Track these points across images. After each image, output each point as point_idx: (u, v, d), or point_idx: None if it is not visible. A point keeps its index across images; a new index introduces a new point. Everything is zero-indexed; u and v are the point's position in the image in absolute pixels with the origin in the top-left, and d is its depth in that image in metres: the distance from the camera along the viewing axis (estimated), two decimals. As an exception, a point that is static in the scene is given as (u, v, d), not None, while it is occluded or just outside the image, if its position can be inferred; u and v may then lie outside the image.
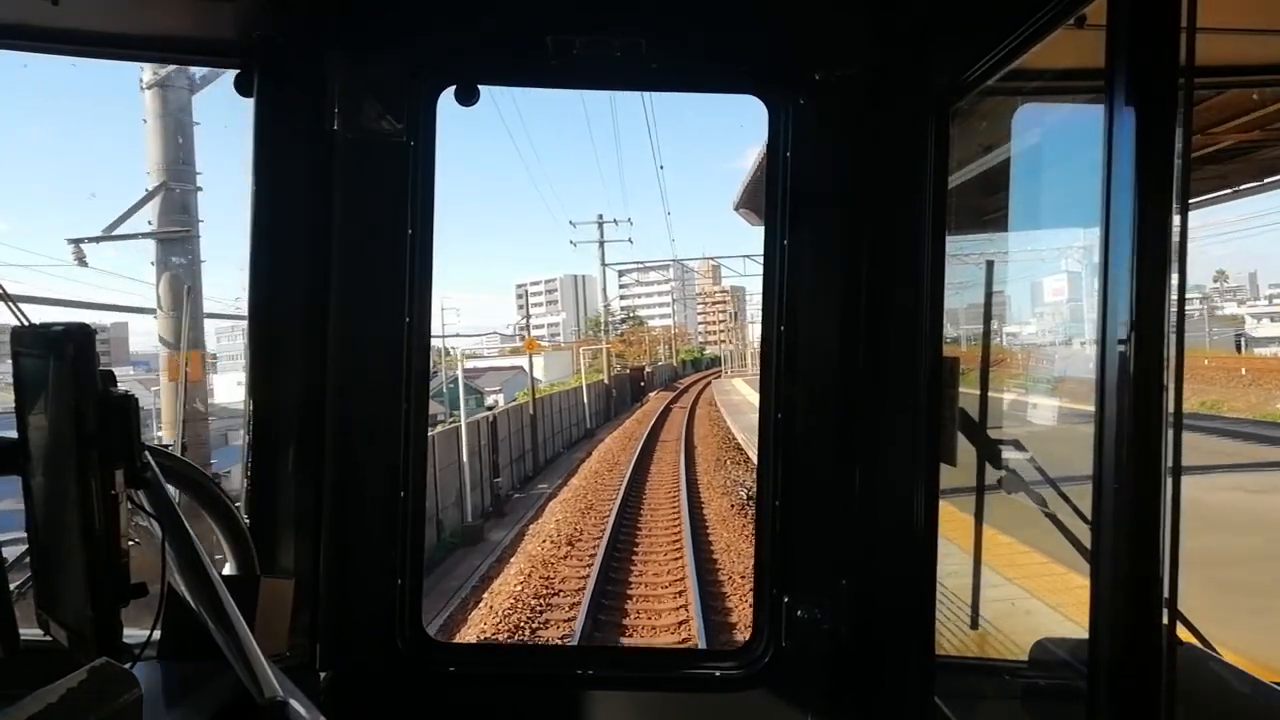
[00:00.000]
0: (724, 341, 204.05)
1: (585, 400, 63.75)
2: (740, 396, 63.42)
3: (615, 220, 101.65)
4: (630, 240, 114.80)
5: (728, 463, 36.29)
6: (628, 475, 34.53)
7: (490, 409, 45.03)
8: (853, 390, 3.61)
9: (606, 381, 75.41)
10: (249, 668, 2.06)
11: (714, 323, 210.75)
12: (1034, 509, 3.31)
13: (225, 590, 2.25)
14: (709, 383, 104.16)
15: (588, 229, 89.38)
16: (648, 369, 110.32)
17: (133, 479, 2.12)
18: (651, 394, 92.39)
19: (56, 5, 3.10)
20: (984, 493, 3.52)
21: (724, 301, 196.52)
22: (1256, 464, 23.78)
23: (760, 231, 3.74)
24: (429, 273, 3.64)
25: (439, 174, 3.62)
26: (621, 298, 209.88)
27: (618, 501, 29.02)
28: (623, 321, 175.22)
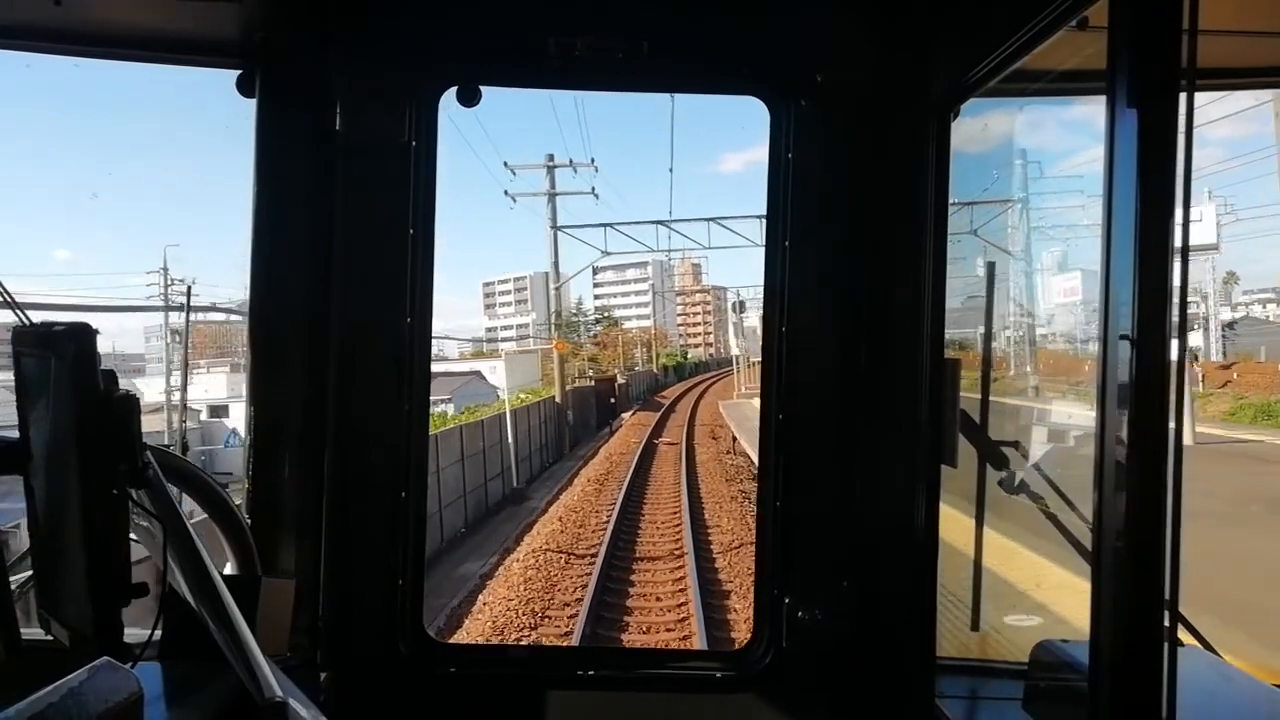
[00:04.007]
0: (710, 345, 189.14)
1: (511, 439, 36.19)
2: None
3: (571, 163, 56.28)
4: (594, 194, 62.32)
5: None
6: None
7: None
8: (854, 391, 3.61)
9: (559, 399, 50.48)
10: (249, 668, 2.06)
11: (694, 324, 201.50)
12: (1035, 510, 3.31)
13: (226, 590, 2.25)
14: (703, 394, 78.16)
15: (533, 177, 56.67)
16: (620, 379, 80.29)
17: (134, 478, 2.12)
18: (626, 415, 63.00)
19: (59, 5, 3.11)
20: (984, 494, 3.51)
21: (704, 301, 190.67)
22: None
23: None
24: (430, 273, 3.64)
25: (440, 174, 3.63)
26: (596, 296, 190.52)
27: None
28: (596, 322, 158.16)
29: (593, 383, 69.68)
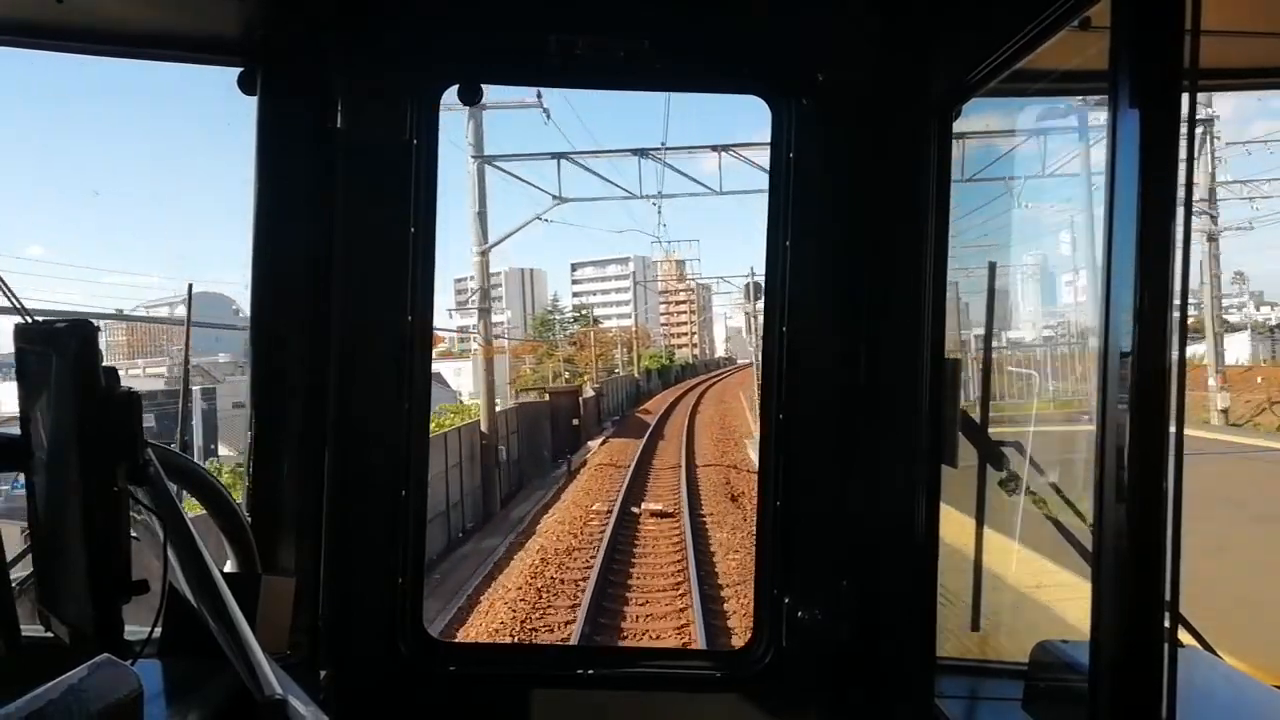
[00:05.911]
0: (696, 345, 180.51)
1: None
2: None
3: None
4: (543, 107, 32.08)
5: None
6: None
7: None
8: (854, 391, 3.61)
9: (485, 428, 34.36)
10: (249, 666, 2.06)
11: (679, 323, 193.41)
12: (1035, 512, 3.31)
13: (226, 588, 2.25)
14: (698, 404, 63.20)
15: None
16: (590, 389, 61.00)
17: (135, 475, 2.13)
18: (593, 444, 45.29)
19: (61, 3, 3.11)
20: (985, 494, 3.52)
21: (689, 300, 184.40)
22: None
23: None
24: (431, 271, 3.65)
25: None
26: (574, 294, 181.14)
27: None
28: (573, 320, 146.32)
29: (547, 398, 50.13)
